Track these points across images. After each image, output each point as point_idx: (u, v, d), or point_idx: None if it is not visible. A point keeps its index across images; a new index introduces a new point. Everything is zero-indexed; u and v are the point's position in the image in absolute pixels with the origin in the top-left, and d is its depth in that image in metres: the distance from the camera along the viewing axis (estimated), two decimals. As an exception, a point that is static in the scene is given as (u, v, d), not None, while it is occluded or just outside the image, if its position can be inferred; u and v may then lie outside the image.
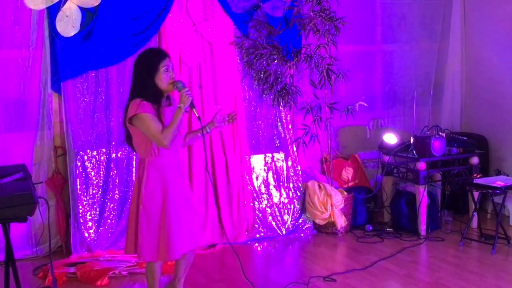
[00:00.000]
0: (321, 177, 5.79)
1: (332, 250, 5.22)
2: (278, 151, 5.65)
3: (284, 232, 5.53)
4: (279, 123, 5.64)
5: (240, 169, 5.45)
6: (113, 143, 5.09)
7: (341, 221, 5.49)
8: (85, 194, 5.01)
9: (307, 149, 5.63)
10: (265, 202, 5.56)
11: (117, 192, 5.11)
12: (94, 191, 5.05)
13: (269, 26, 5.43)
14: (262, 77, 5.43)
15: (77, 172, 4.98)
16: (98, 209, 5.05)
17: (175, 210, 3.60)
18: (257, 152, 5.58)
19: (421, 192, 5.33)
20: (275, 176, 5.62)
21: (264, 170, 5.60)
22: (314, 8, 5.37)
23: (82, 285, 4.43)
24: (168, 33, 5.15)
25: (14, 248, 3.44)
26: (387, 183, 5.83)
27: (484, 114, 6.30)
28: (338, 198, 5.46)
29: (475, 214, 5.42)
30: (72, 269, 4.59)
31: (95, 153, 5.07)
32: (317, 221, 5.53)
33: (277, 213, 5.56)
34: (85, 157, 5.03)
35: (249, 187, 5.50)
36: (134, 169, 5.09)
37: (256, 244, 5.38)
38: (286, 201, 5.61)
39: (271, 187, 5.60)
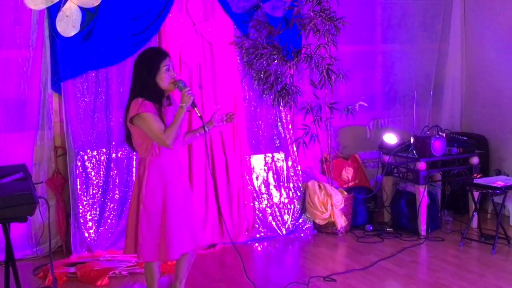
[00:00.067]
0: (321, 177, 5.80)
1: (332, 250, 5.22)
2: (278, 151, 5.65)
3: (284, 232, 5.53)
4: (279, 123, 5.64)
5: (240, 169, 5.45)
6: (113, 143, 5.09)
7: (341, 221, 5.49)
8: (85, 194, 5.01)
9: (307, 149, 5.64)
10: (265, 202, 5.56)
11: (117, 192, 5.11)
12: (94, 191, 5.06)
13: (269, 26, 5.43)
14: (262, 77, 5.43)
15: (77, 172, 4.98)
16: (98, 209, 5.05)
17: (175, 210, 3.60)
18: (257, 152, 5.58)
19: (421, 192, 5.33)
20: (275, 176, 5.62)
21: (264, 170, 5.61)
22: (314, 8, 5.37)
23: (82, 285, 4.43)
24: (168, 33, 5.15)
25: (14, 248, 3.44)
26: (387, 183, 5.83)
27: (484, 114, 6.30)
28: (338, 198, 5.46)
29: (475, 214, 5.42)
30: (72, 269, 4.59)
31: (95, 153, 5.07)
32: (317, 221, 5.54)
33: (277, 213, 5.56)
34: (85, 157, 5.03)
35: (249, 187, 5.50)
36: (134, 169, 5.09)
37: (256, 244, 5.38)
38: (286, 201, 5.61)
39: (271, 187, 5.61)
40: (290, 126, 5.68)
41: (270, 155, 5.63)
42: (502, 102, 6.07)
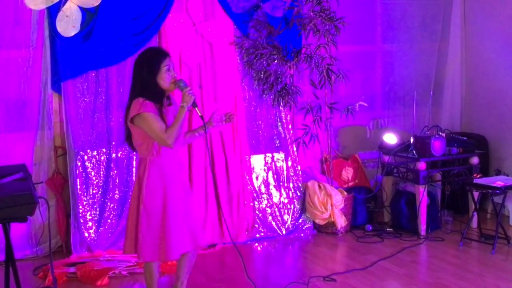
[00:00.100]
0: (321, 177, 5.80)
1: (332, 250, 5.22)
2: (278, 151, 5.65)
3: (284, 232, 5.53)
4: (279, 123, 5.64)
5: (240, 169, 5.45)
6: (113, 143, 5.10)
7: (341, 221, 5.49)
8: (85, 194, 5.01)
9: (307, 149, 5.64)
10: (265, 202, 5.56)
11: (117, 192, 5.12)
12: (94, 191, 5.06)
13: (269, 26, 5.43)
14: (262, 77, 5.43)
15: (77, 172, 4.98)
16: (98, 209, 5.05)
17: (175, 210, 3.60)
18: (257, 152, 5.58)
19: (421, 192, 5.33)
20: (275, 176, 5.62)
21: (264, 170, 5.61)
22: (314, 8, 5.37)
23: (82, 285, 4.44)
24: (168, 33, 5.15)
25: (14, 248, 3.44)
26: (387, 183, 5.83)
27: (484, 114, 6.30)
28: (338, 198, 5.46)
29: (475, 214, 5.42)
30: (72, 269, 4.59)
31: (95, 153, 5.07)
32: (317, 221, 5.54)
33: (277, 213, 5.56)
34: (85, 157, 5.03)
35: (249, 187, 5.50)
36: (134, 169, 5.09)
37: (256, 244, 5.38)
38: (286, 201, 5.61)
39: (271, 187, 5.61)
40: (290, 126, 5.68)
41: (270, 155, 5.63)
42: (502, 102, 6.07)
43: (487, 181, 5.18)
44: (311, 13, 5.36)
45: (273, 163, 5.63)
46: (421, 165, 5.33)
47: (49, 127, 5.00)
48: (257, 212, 5.51)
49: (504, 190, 5.03)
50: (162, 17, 5.09)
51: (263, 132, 5.61)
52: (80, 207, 4.98)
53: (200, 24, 5.26)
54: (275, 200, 5.59)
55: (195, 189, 5.15)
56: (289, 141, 5.64)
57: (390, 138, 5.72)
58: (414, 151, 5.44)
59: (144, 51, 3.67)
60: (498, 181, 5.12)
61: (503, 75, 6.06)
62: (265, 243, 5.39)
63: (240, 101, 5.47)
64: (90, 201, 5.03)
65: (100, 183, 5.08)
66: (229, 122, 3.86)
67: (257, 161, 5.58)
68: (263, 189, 5.57)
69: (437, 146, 5.35)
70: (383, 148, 5.78)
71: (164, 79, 3.55)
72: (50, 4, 4.79)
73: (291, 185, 5.64)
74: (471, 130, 6.35)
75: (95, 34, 4.90)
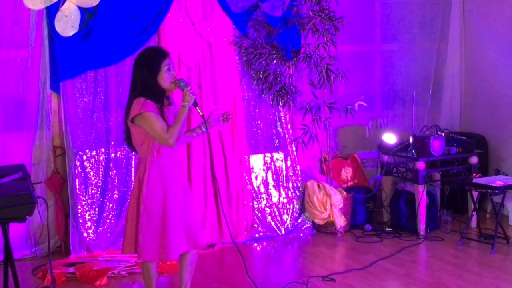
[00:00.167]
0: (320, 176, 5.79)
1: (331, 250, 5.22)
2: (277, 151, 5.65)
3: (283, 232, 5.53)
4: (278, 123, 5.64)
5: (239, 169, 5.45)
6: (112, 143, 5.09)
7: (340, 221, 5.49)
8: (84, 194, 5.01)
9: (306, 149, 5.63)
10: (264, 202, 5.56)
11: (116, 192, 5.11)
12: (93, 191, 5.05)
13: (268, 26, 5.43)
14: (261, 76, 5.42)
15: (76, 172, 4.98)
16: (97, 209, 5.05)
17: (175, 209, 3.59)
18: (256, 152, 5.58)
19: (420, 192, 5.33)
20: (274, 176, 5.62)
21: (263, 170, 5.60)
22: (313, 7, 5.37)
23: (81, 285, 4.43)
24: (167, 33, 5.15)
25: (13, 248, 3.44)
26: (386, 182, 5.83)
27: (483, 114, 6.30)
28: (337, 198, 5.46)
29: (474, 213, 5.42)
30: (71, 269, 4.59)
31: (94, 153, 5.07)
32: (316, 220, 5.53)
33: (277, 213, 5.56)
34: (84, 157, 5.03)
35: (248, 187, 5.50)
36: (133, 169, 5.09)
37: (255, 244, 5.37)
38: (285, 200, 5.61)
39: (270, 187, 5.60)
40: (289, 126, 5.68)
41: (269, 155, 5.63)
42: (501, 102, 6.07)
43: (486, 181, 5.18)
44: (310, 13, 5.36)
45: (272, 163, 5.62)
46: (420, 165, 5.33)
47: (48, 127, 5.00)
48: (256, 212, 5.51)
49: (503, 189, 5.03)
50: (161, 16, 5.09)
51: (262, 132, 5.61)
52: (79, 207, 4.97)
53: (199, 24, 5.25)
54: (274, 200, 5.59)
55: (194, 189, 5.15)
56: (288, 141, 5.64)
57: (389, 138, 5.72)
58: (413, 151, 5.44)
59: (143, 51, 3.66)
60: (497, 181, 5.12)
61: (502, 75, 6.06)
62: (264, 243, 5.39)
63: (239, 100, 5.47)
64: (89, 201, 5.03)
65: (99, 183, 5.08)
66: (227, 122, 3.85)
67: (256, 161, 5.58)
68: (262, 189, 5.57)
69: (436, 146, 5.35)
70: (382, 148, 5.78)
71: (165, 79, 3.55)
72: (49, 4, 4.78)
73: (290, 185, 5.64)
74: (471, 129, 6.35)
75: (94, 34, 4.90)
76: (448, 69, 6.50)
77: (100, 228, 5.04)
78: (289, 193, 5.63)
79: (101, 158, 5.09)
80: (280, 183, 5.62)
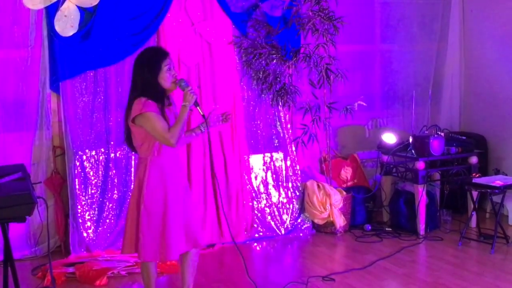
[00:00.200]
0: (320, 176, 5.79)
1: (331, 249, 5.22)
2: (277, 151, 5.65)
3: (283, 231, 5.53)
4: (278, 123, 5.64)
5: (239, 169, 5.45)
6: (112, 143, 5.09)
7: (340, 221, 5.49)
8: (83, 194, 5.01)
9: (306, 149, 5.63)
10: (264, 201, 5.56)
11: (115, 192, 5.11)
12: (92, 191, 5.05)
13: (268, 26, 5.43)
14: (261, 76, 5.42)
15: (76, 172, 4.98)
16: (97, 209, 5.05)
17: (175, 209, 3.59)
18: (256, 151, 5.58)
19: (420, 192, 5.33)
20: (274, 175, 5.62)
21: (263, 169, 5.60)
22: (313, 7, 5.37)
23: (81, 285, 4.43)
24: (167, 33, 5.15)
25: (13, 248, 3.44)
26: (386, 182, 5.83)
27: (483, 114, 6.30)
28: (337, 198, 5.46)
29: (474, 213, 5.42)
30: (71, 269, 4.59)
31: (93, 153, 5.07)
32: (316, 220, 5.53)
33: (276, 213, 5.56)
34: (84, 157, 5.03)
35: (248, 186, 5.50)
36: (133, 169, 5.09)
37: (255, 244, 5.37)
38: (285, 200, 5.61)
39: (270, 186, 5.60)
40: (288, 126, 5.68)
41: (269, 154, 5.63)
42: (501, 102, 6.08)
43: (486, 181, 5.18)
44: (310, 13, 5.36)
45: (272, 163, 5.62)
46: (420, 165, 5.33)
47: (47, 127, 5.00)
48: (256, 212, 5.51)
49: (503, 189, 5.03)
50: (161, 16, 5.09)
51: (262, 131, 5.61)
52: (79, 207, 4.97)
53: (198, 24, 5.25)
54: (274, 199, 5.59)
55: (194, 189, 5.15)
56: (288, 140, 5.64)
57: (389, 138, 5.72)
58: (413, 151, 5.44)
59: (143, 51, 3.66)
60: (497, 181, 5.12)
61: (502, 74, 6.06)
62: (264, 243, 5.39)
63: (239, 100, 5.47)
64: (88, 201, 5.03)
65: (99, 183, 5.08)
66: (226, 122, 3.86)
67: (256, 161, 5.58)
68: (262, 188, 5.57)
69: (436, 146, 5.35)
70: (382, 148, 5.78)
71: (166, 79, 3.54)
72: (48, 3, 4.78)
73: (290, 184, 5.64)
74: (470, 129, 6.35)
75: (93, 33, 4.90)
76: (448, 69, 6.51)
77: (99, 228, 5.03)
78: (289, 193, 5.63)
79: (101, 158, 5.09)
80: (280, 183, 5.62)
